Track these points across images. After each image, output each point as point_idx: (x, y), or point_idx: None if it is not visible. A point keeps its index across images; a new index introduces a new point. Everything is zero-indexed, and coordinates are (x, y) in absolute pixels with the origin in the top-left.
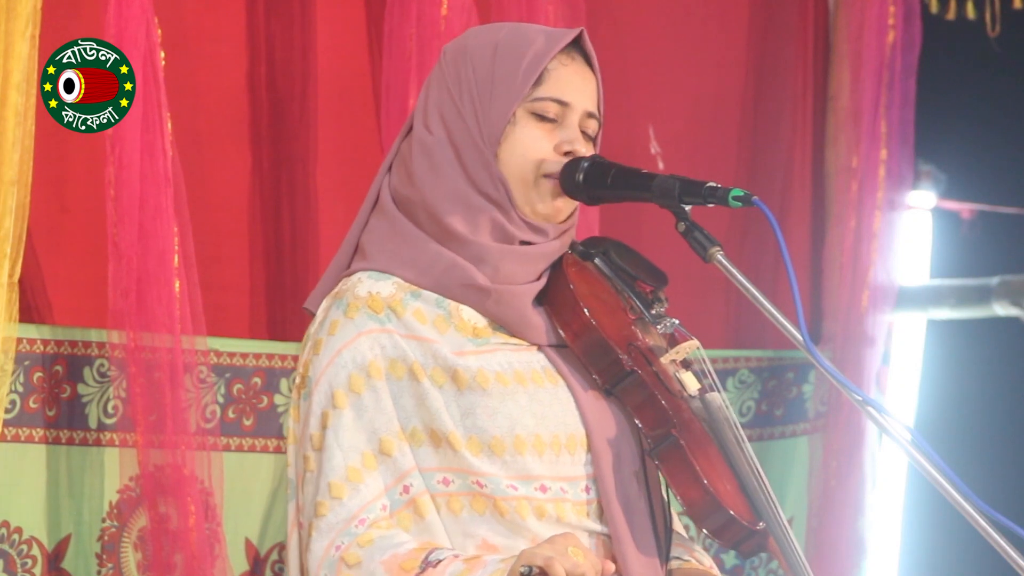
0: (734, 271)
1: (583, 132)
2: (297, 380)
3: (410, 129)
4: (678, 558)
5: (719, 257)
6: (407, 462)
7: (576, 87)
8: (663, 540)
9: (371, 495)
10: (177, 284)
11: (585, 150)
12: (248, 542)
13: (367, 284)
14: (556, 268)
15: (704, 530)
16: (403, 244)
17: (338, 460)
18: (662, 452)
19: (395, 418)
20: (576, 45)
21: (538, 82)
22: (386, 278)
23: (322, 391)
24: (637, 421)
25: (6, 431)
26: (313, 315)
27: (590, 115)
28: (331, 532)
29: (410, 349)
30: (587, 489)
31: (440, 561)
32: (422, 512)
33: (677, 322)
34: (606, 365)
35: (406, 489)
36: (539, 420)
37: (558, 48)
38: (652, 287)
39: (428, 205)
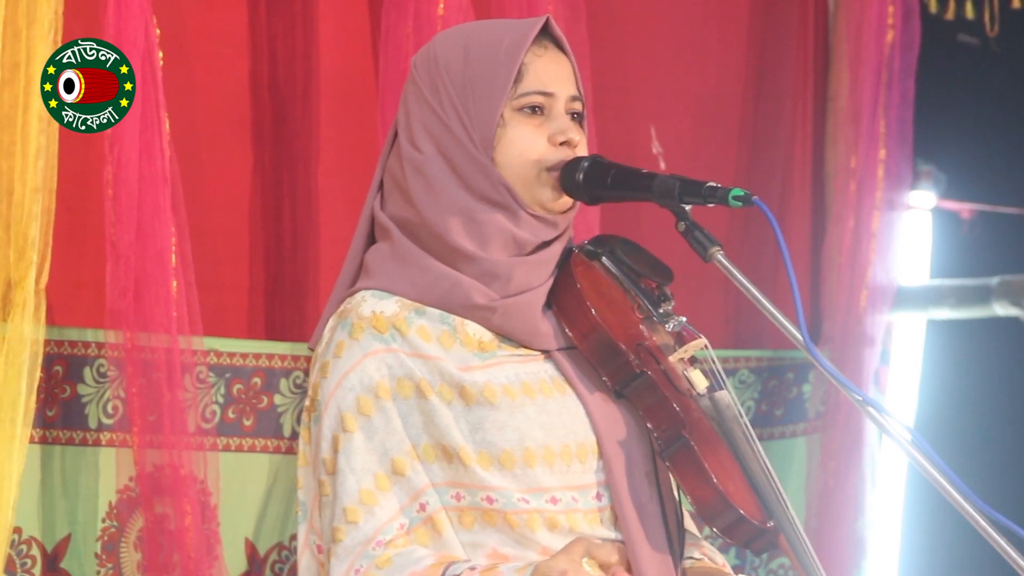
0: (734, 271)
1: (571, 115)
2: (307, 403)
3: (392, 145)
4: (690, 557)
5: (719, 257)
6: (421, 480)
7: (555, 74)
8: (676, 541)
9: (386, 516)
10: (175, 284)
11: (577, 136)
12: (248, 542)
13: (371, 303)
14: (563, 268)
15: (714, 529)
16: (406, 264)
17: (351, 484)
18: (672, 453)
19: (406, 437)
20: (545, 33)
21: (518, 78)
22: (389, 297)
23: (331, 415)
24: (647, 422)
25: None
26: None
27: (574, 98)
28: (349, 556)
29: (416, 367)
30: (599, 496)
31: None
32: (439, 529)
33: (684, 320)
34: (616, 367)
35: (422, 507)
36: (548, 431)
37: (529, 40)
38: (657, 283)
39: (431, 225)
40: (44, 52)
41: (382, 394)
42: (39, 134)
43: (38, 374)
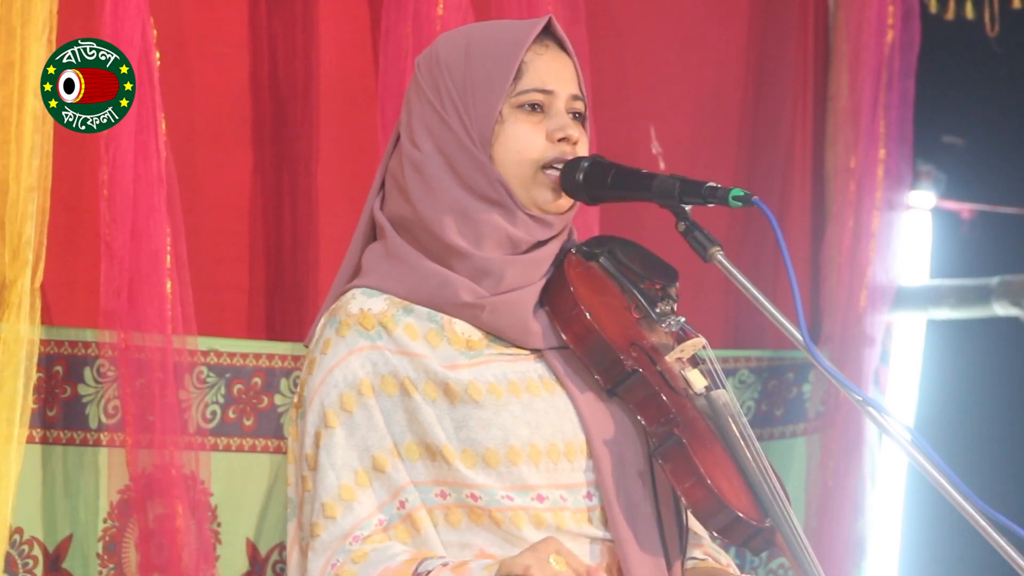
0: (734, 271)
1: (572, 114)
2: (295, 399)
3: (395, 145)
4: (693, 558)
5: (719, 257)
6: (401, 478)
7: (555, 73)
8: (672, 541)
9: (365, 512)
10: (169, 285)
11: (576, 133)
12: (248, 542)
13: (359, 301)
14: (557, 269)
15: (710, 530)
16: (397, 263)
17: (331, 479)
18: (665, 452)
19: (388, 435)
20: (547, 32)
21: (518, 76)
22: (378, 295)
23: (315, 411)
24: (641, 420)
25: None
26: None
27: (575, 97)
28: (326, 551)
29: (401, 365)
30: (589, 496)
31: (429, 572)
32: (418, 527)
33: (683, 320)
34: (607, 366)
35: (402, 504)
36: (534, 429)
37: (530, 39)
38: (661, 284)
39: (427, 222)
40: (39, 51)
41: (365, 391)
42: (34, 133)
43: (34, 374)
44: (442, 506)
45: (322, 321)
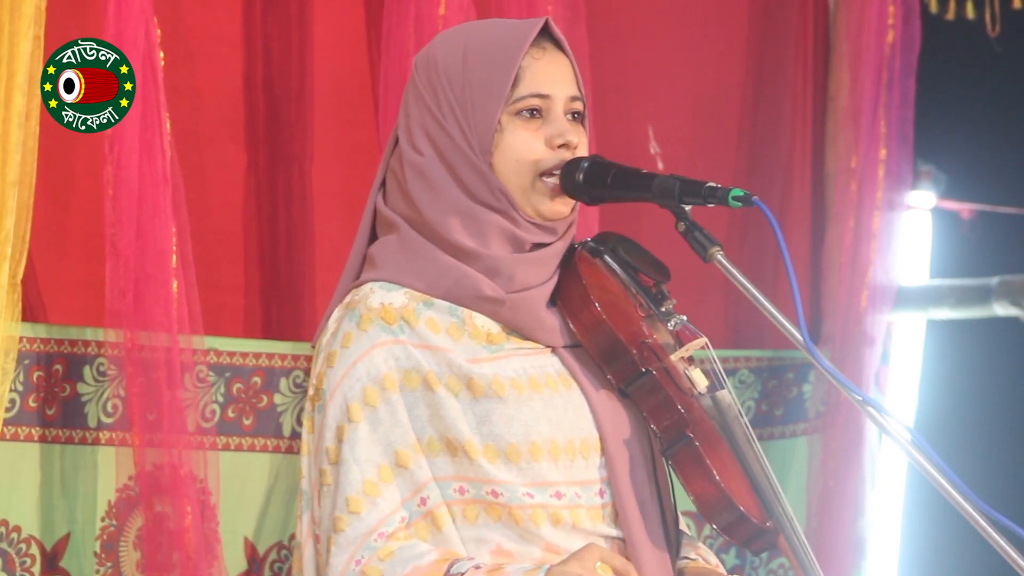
0: (734, 271)
1: (571, 115)
2: (311, 392)
3: (395, 144)
4: (685, 557)
5: (719, 257)
6: (423, 474)
7: (553, 76)
8: (672, 539)
9: (389, 508)
10: (175, 284)
11: (576, 137)
12: (247, 541)
13: (379, 295)
14: (567, 264)
15: (715, 527)
16: (414, 256)
17: (355, 474)
18: (676, 452)
19: (410, 430)
20: (544, 33)
21: (515, 82)
22: (397, 288)
23: (337, 404)
24: (650, 422)
25: (5, 430)
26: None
27: (573, 98)
28: (351, 546)
29: (424, 359)
30: (601, 493)
31: (462, 574)
32: (439, 524)
33: (685, 319)
34: (620, 364)
35: (423, 501)
36: (554, 426)
37: (527, 44)
38: (655, 281)
39: (432, 224)
40: (26, 47)
41: (388, 386)
42: (18, 128)
43: (12, 369)
44: (460, 502)
45: (336, 315)
